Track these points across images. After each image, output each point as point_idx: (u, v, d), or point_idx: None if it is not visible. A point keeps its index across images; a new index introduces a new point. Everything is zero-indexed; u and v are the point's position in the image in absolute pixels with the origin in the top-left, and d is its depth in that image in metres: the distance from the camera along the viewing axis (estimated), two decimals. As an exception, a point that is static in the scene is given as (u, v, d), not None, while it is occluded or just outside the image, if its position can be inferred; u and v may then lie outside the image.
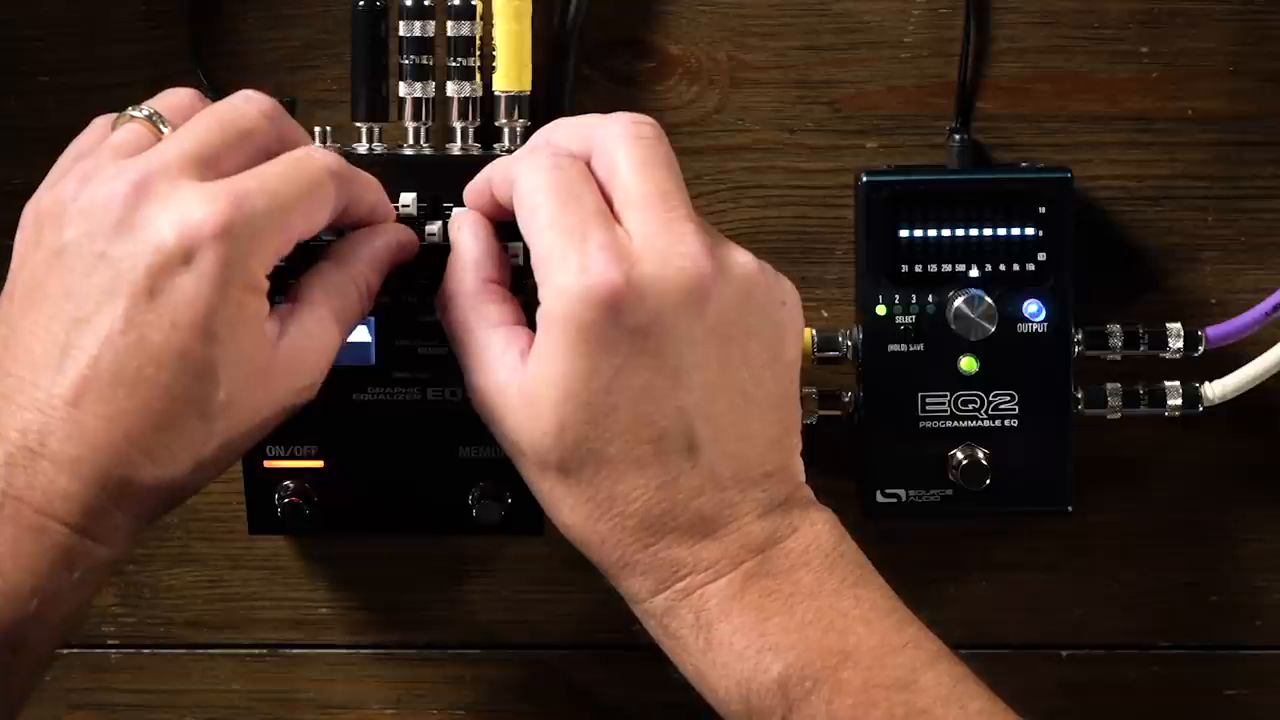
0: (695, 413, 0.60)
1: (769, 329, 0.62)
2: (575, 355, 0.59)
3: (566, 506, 0.61)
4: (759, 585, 0.60)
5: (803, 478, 0.63)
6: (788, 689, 0.59)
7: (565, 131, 0.64)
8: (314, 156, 0.62)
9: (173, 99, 0.64)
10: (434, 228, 0.69)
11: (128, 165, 0.60)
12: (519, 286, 0.66)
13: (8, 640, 0.56)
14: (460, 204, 0.68)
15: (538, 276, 0.61)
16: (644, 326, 0.59)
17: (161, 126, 0.62)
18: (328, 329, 0.63)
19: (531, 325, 0.62)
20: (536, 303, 0.61)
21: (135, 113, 0.63)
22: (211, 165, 0.60)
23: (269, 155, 0.62)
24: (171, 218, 0.58)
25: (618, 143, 0.62)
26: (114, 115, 0.64)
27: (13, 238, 0.61)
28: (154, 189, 0.59)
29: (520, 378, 0.61)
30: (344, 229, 0.66)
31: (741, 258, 0.62)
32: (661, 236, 0.60)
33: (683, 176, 0.63)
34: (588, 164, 0.63)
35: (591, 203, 0.61)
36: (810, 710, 0.59)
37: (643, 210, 0.61)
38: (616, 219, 0.61)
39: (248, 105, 0.63)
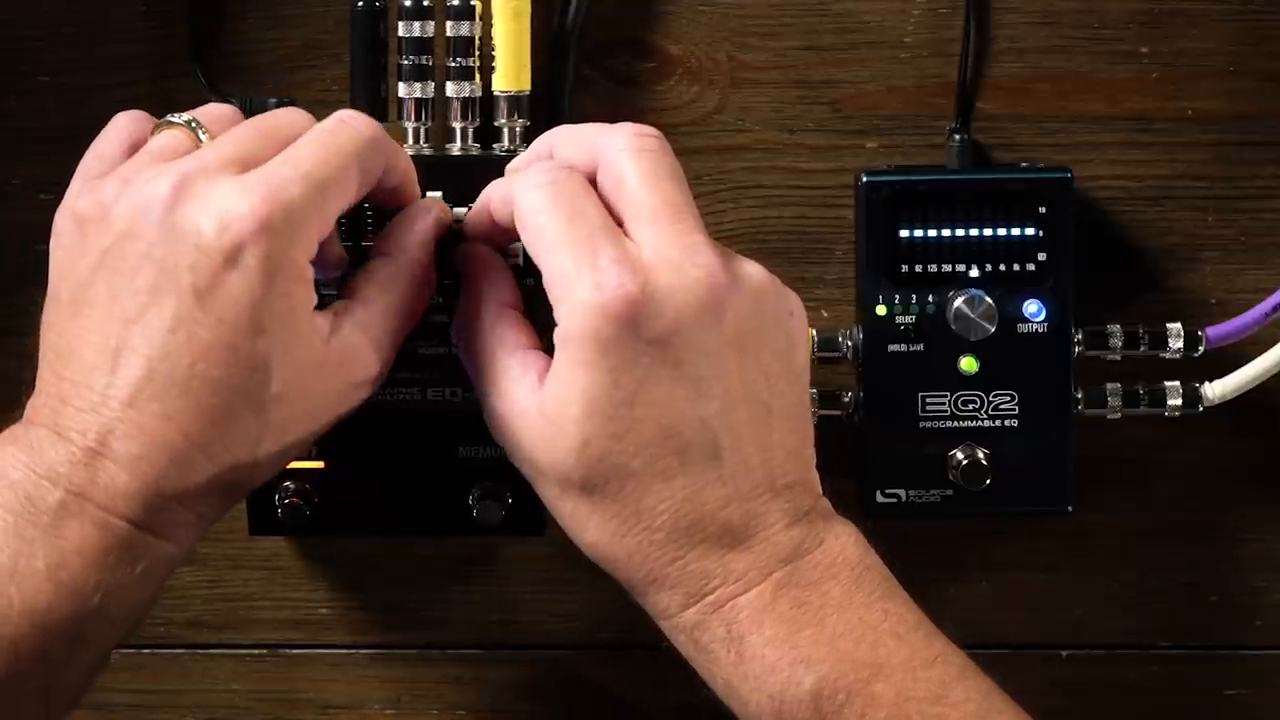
0: (718, 423, 0.60)
1: (781, 339, 0.62)
2: (596, 370, 0.59)
3: (592, 525, 0.61)
4: (789, 596, 0.60)
5: (820, 490, 0.63)
6: (820, 702, 0.59)
7: (568, 142, 0.64)
8: (346, 126, 0.62)
9: (213, 110, 0.64)
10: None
11: (167, 168, 0.60)
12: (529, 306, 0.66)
13: (68, 634, 0.57)
14: (459, 204, 0.68)
15: (552, 296, 0.60)
16: (663, 338, 0.59)
17: (200, 134, 0.63)
18: (382, 324, 0.63)
19: (546, 349, 0.62)
20: (553, 324, 0.61)
21: (175, 119, 0.63)
22: (250, 166, 0.60)
23: None
24: (210, 215, 0.58)
25: (623, 155, 0.62)
26: (134, 112, 0.64)
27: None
28: (193, 189, 0.59)
29: (539, 398, 0.61)
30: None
31: (751, 269, 0.62)
32: (674, 248, 0.60)
33: (689, 186, 0.63)
34: (591, 174, 0.63)
35: (595, 216, 0.61)
36: None
37: (653, 224, 0.61)
38: (625, 232, 0.61)
39: (289, 114, 0.63)
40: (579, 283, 0.59)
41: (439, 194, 0.69)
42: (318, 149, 0.61)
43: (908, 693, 0.59)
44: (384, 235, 0.65)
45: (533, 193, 0.62)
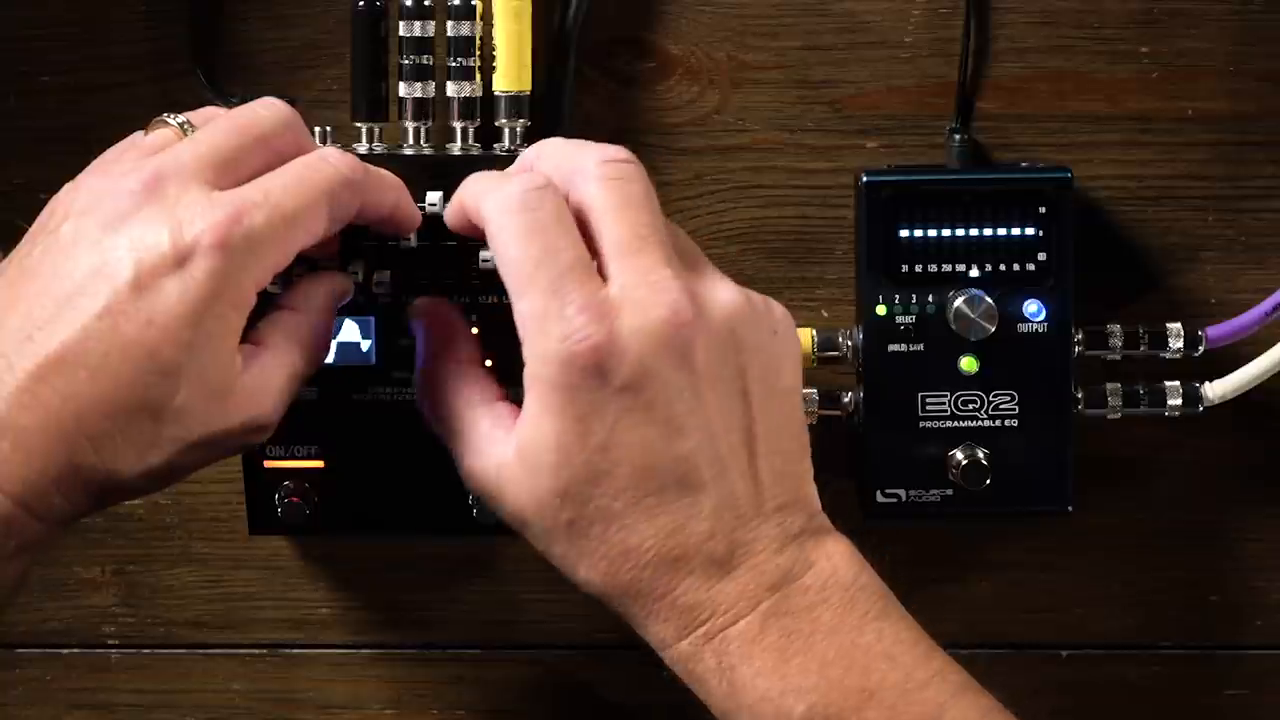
0: (697, 458, 0.60)
1: (763, 361, 0.61)
2: (567, 418, 0.59)
3: (583, 566, 0.61)
4: (779, 625, 0.60)
5: (818, 505, 0.63)
6: None
7: (547, 161, 0.63)
8: (325, 164, 0.62)
9: (210, 114, 0.64)
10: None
11: (145, 163, 0.60)
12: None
13: None
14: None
15: (520, 335, 0.60)
16: (632, 382, 0.59)
17: (190, 135, 0.63)
18: (286, 373, 0.63)
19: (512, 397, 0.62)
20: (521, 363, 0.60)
21: (170, 119, 0.63)
22: (227, 170, 0.60)
23: (285, 162, 0.62)
24: (171, 221, 0.58)
25: (590, 184, 0.61)
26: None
27: (13, 238, 0.61)
28: (164, 190, 0.59)
29: (515, 448, 0.60)
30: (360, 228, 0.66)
31: (724, 295, 0.61)
32: (640, 287, 0.59)
33: (660, 211, 0.61)
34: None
35: (566, 251, 0.60)
36: None
37: (619, 259, 0.60)
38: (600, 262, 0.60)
39: (267, 111, 0.63)
40: (545, 331, 0.59)
41: (439, 194, 0.69)
42: (292, 182, 0.61)
43: (900, 716, 0.59)
44: (291, 291, 0.65)
45: (505, 217, 0.61)
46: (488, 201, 0.62)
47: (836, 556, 0.61)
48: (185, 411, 0.59)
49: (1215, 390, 0.75)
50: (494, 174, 0.64)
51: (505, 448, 0.61)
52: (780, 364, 0.62)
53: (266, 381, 0.62)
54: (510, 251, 0.60)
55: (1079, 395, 0.74)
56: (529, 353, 0.59)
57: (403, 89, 0.72)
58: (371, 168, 0.64)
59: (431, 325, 0.66)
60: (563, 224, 0.61)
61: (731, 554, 0.60)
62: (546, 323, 0.59)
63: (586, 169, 0.61)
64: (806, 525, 0.61)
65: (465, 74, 0.72)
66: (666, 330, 0.59)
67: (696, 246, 0.64)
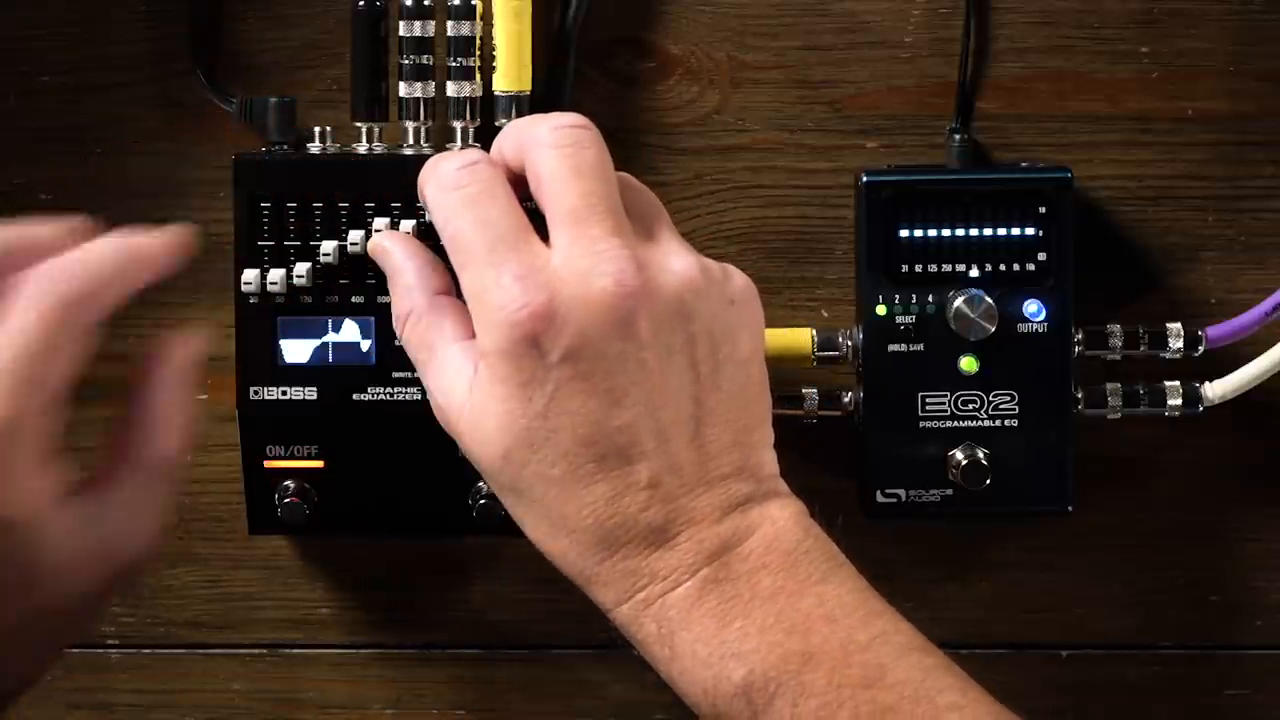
0: (638, 428, 0.60)
1: (716, 332, 0.61)
2: (509, 384, 0.60)
3: (527, 524, 0.62)
4: (718, 591, 0.60)
5: (772, 470, 0.63)
6: (752, 695, 0.59)
7: (507, 137, 0.64)
8: (41, 290, 0.56)
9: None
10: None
11: None
12: None
13: None
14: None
15: (470, 309, 0.61)
16: (572, 351, 0.59)
17: None
18: (138, 503, 0.60)
19: None
20: None
21: None
22: None
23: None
24: None
25: (540, 152, 0.62)
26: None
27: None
28: None
29: (469, 404, 0.61)
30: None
31: (676, 264, 0.61)
32: (584, 257, 0.60)
33: (613, 178, 0.62)
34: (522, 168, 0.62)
35: (502, 221, 0.61)
36: (776, 715, 0.59)
37: (566, 228, 0.60)
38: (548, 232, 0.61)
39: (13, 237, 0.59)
40: (485, 302, 0.60)
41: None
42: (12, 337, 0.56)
43: (840, 679, 0.59)
44: (135, 398, 0.60)
45: (440, 197, 0.62)
46: (427, 186, 0.63)
47: (781, 521, 0.61)
48: (37, 584, 0.56)
49: (1215, 390, 0.75)
50: (435, 158, 0.64)
51: (467, 395, 0.62)
52: (736, 334, 0.62)
53: (115, 527, 0.58)
54: (447, 229, 0.62)
55: (1079, 395, 0.74)
56: (476, 324, 0.61)
57: (403, 89, 0.72)
58: (85, 251, 0.58)
59: (397, 257, 0.66)
60: (496, 195, 0.62)
61: (672, 522, 0.60)
62: (486, 293, 0.60)
63: (539, 137, 0.62)
64: (754, 492, 0.62)
65: (465, 74, 0.72)
66: (608, 300, 0.59)
67: (660, 210, 0.64)
